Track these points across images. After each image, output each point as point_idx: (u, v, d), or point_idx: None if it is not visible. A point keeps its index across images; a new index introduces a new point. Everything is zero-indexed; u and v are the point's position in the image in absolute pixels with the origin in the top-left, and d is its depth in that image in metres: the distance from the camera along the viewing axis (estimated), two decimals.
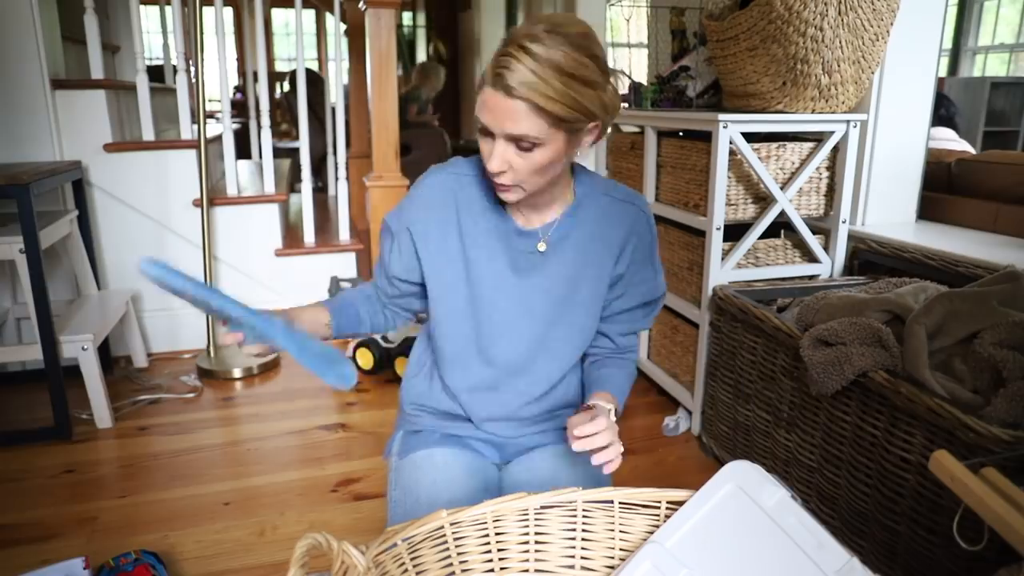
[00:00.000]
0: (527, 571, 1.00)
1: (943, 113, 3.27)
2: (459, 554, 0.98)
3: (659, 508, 0.94)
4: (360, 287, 1.17)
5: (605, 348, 1.16)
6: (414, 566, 0.96)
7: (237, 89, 6.25)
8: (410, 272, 1.07)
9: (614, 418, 1.01)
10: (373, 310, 1.15)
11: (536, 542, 1.00)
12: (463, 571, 0.98)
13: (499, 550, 0.99)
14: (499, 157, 0.90)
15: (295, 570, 0.74)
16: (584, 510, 0.98)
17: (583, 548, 0.99)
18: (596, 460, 0.91)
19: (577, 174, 1.07)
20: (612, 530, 0.97)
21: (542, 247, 1.04)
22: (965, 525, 0.89)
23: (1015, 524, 0.75)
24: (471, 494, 1.05)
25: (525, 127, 0.87)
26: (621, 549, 0.97)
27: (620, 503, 0.96)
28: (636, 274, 1.08)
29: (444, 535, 0.97)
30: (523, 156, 0.90)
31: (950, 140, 3.03)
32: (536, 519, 1.00)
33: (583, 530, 0.99)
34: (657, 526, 0.95)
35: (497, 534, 0.99)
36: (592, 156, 2.73)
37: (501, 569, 0.99)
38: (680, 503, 0.93)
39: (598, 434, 0.91)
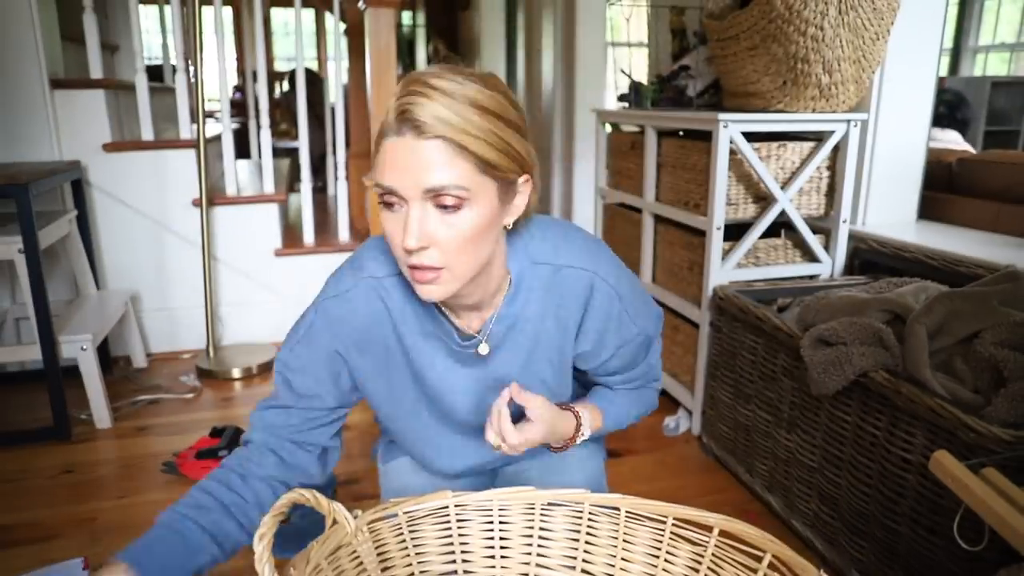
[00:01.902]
0: (528, 564, 1.00)
1: (959, 116, 3.24)
2: (460, 535, 0.98)
3: (665, 523, 0.94)
4: (212, 480, 0.91)
5: (617, 382, 1.04)
6: (412, 540, 0.96)
7: (236, 89, 6.25)
8: (338, 404, 0.93)
9: (585, 435, 0.96)
10: (250, 491, 0.89)
11: (540, 538, 1.00)
12: (463, 553, 0.98)
13: (502, 538, 0.99)
14: (417, 226, 0.71)
15: (270, 517, 0.74)
16: (590, 514, 0.98)
17: (585, 551, 0.99)
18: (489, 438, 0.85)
19: (509, 244, 0.86)
20: (616, 538, 0.97)
21: (484, 350, 0.89)
22: (965, 526, 0.88)
23: (1016, 524, 0.75)
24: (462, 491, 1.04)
25: (446, 174, 0.69)
26: (623, 559, 0.97)
27: (627, 512, 0.96)
28: (611, 343, 0.94)
29: (447, 515, 0.97)
30: (447, 223, 0.71)
31: (954, 143, 3.01)
32: (542, 515, 1.00)
33: (587, 533, 0.99)
34: (660, 541, 0.95)
35: (502, 523, 0.99)
36: (592, 156, 2.73)
37: (502, 558, 0.99)
38: (687, 521, 0.92)
39: (506, 442, 0.85)
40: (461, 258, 0.74)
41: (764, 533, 0.85)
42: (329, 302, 0.86)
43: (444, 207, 0.71)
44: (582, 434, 0.97)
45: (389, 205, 0.73)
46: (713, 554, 0.91)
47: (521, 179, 0.77)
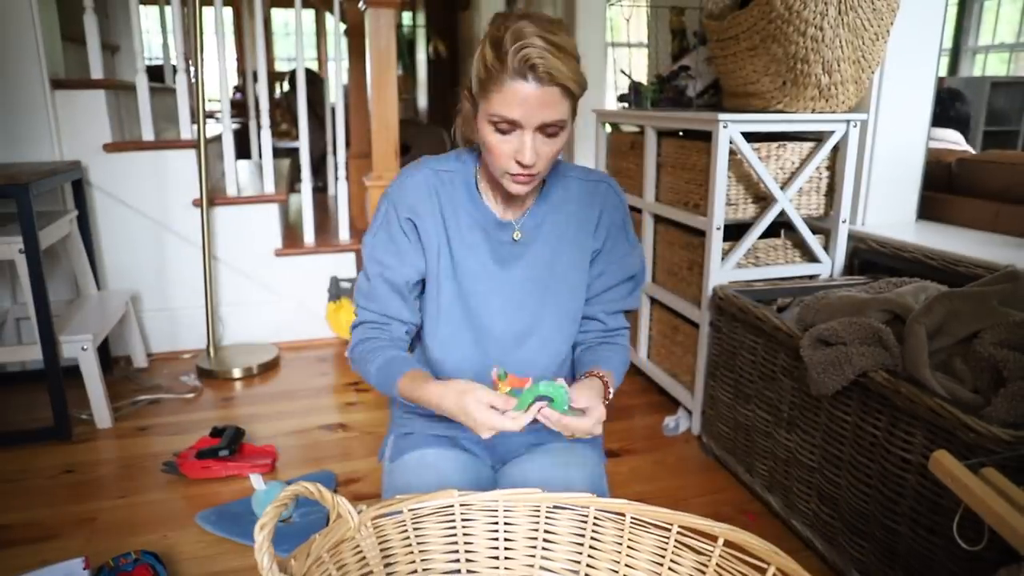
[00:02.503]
0: (532, 567, 1.00)
1: (952, 114, 3.22)
2: (465, 534, 0.98)
3: (670, 531, 0.94)
4: (379, 344, 1.07)
5: (595, 331, 1.17)
6: (417, 537, 0.96)
7: (237, 89, 6.25)
8: (420, 266, 1.07)
9: (609, 398, 1.03)
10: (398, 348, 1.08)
11: (544, 540, 1.00)
12: (467, 553, 0.98)
13: (506, 539, 0.99)
14: (532, 149, 0.93)
15: (272, 508, 0.74)
16: (595, 518, 0.98)
17: (589, 556, 0.99)
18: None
19: None
20: (620, 544, 0.97)
21: (517, 235, 1.07)
22: (965, 525, 0.89)
23: (1015, 524, 0.75)
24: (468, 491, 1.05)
25: (559, 111, 0.91)
26: (627, 566, 0.97)
27: (632, 518, 0.96)
28: (613, 249, 1.12)
29: (452, 514, 0.97)
30: (548, 143, 0.94)
31: (954, 143, 3.00)
32: (547, 518, 1.00)
33: (592, 538, 0.99)
34: (665, 548, 0.94)
35: (507, 524, 0.99)
36: (592, 156, 2.73)
37: (506, 559, 0.99)
38: (692, 530, 0.92)
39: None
40: (548, 165, 0.97)
41: (769, 545, 0.84)
42: (395, 185, 1.06)
43: (549, 134, 0.94)
44: (611, 393, 1.06)
45: (503, 131, 0.93)
46: (717, 564, 0.90)
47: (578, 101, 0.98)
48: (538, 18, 0.92)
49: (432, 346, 1.10)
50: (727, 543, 0.89)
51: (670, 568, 0.95)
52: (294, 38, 2.77)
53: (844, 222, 1.97)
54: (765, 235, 1.95)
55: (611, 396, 1.04)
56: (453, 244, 1.06)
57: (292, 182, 3.79)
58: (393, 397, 1.04)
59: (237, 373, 2.48)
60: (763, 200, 1.93)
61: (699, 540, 0.92)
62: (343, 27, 3.21)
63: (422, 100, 7.42)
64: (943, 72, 5.35)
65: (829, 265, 1.99)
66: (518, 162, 0.94)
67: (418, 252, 1.06)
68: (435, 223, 1.05)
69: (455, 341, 1.09)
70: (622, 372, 1.15)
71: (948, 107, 3.22)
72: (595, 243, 1.11)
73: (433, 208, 1.05)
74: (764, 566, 0.85)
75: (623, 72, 2.53)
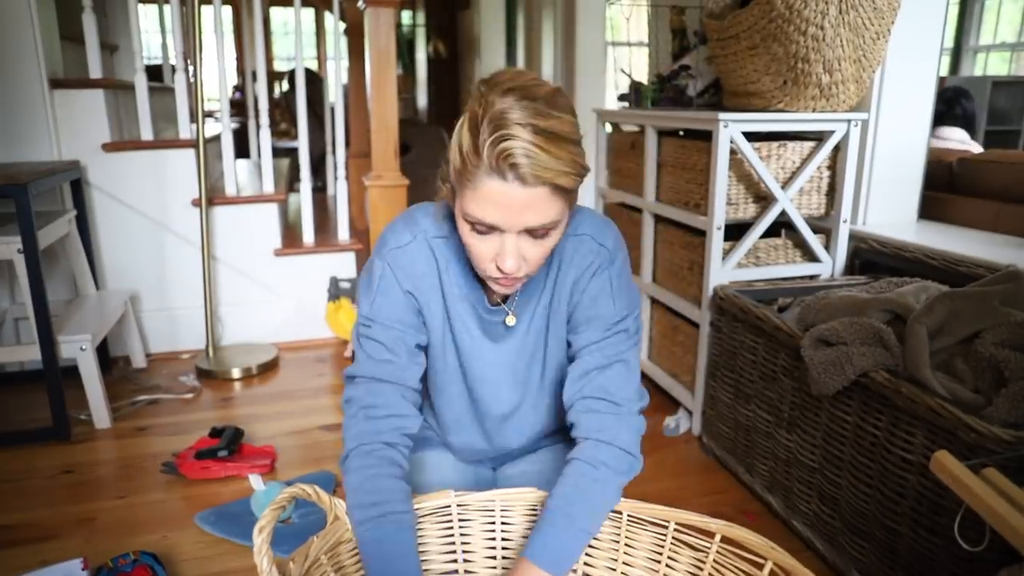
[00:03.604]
0: None
1: (959, 112, 3.19)
2: (462, 535, 0.98)
3: (667, 528, 0.94)
4: (384, 478, 0.89)
5: (596, 399, 0.93)
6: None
7: (236, 88, 6.25)
8: (423, 337, 0.96)
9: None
10: (403, 481, 0.91)
11: None
12: (464, 553, 0.98)
13: (504, 539, 0.99)
14: (515, 255, 0.80)
15: (270, 510, 0.74)
16: None
17: (587, 554, 0.98)
18: None
19: None
20: (617, 542, 0.97)
21: (511, 321, 0.97)
22: (966, 526, 0.88)
23: (1016, 525, 0.75)
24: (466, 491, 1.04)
25: (548, 213, 0.78)
26: (624, 563, 0.97)
27: (629, 515, 0.96)
28: (594, 305, 0.94)
29: (450, 514, 0.97)
30: (536, 244, 0.81)
31: (962, 143, 2.97)
32: None
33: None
34: (662, 545, 0.94)
35: (504, 524, 0.99)
36: (592, 156, 2.73)
37: (504, 558, 0.99)
38: (689, 526, 0.92)
39: None
40: (539, 266, 0.85)
41: (766, 540, 0.84)
42: (395, 252, 0.92)
43: (537, 236, 0.81)
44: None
45: (480, 232, 0.80)
46: (715, 560, 0.90)
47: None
48: (526, 93, 0.75)
49: (436, 413, 1.08)
50: (724, 539, 0.89)
51: (667, 565, 0.95)
52: (293, 37, 2.76)
53: (845, 222, 1.96)
54: (766, 235, 1.95)
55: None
56: (451, 315, 0.96)
57: (291, 182, 3.79)
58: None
59: (236, 373, 2.47)
60: (764, 200, 1.93)
61: (696, 537, 0.92)
62: (343, 26, 3.21)
63: (422, 100, 7.42)
64: (944, 71, 5.35)
65: (830, 265, 1.99)
66: (498, 267, 0.81)
67: (421, 325, 0.95)
68: (436, 296, 0.95)
69: (456, 414, 1.05)
70: (602, 511, 0.91)
71: (954, 105, 3.20)
72: (572, 299, 0.96)
73: (433, 280, 0.94)
74: (761, 561, 0.85)
75: (623, 71, 2.53)
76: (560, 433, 1.14)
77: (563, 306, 0.97)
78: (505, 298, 0.97)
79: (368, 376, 0.92)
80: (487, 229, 0.79)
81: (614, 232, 0.97)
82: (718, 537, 0.90)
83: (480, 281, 0.95)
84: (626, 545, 0.96)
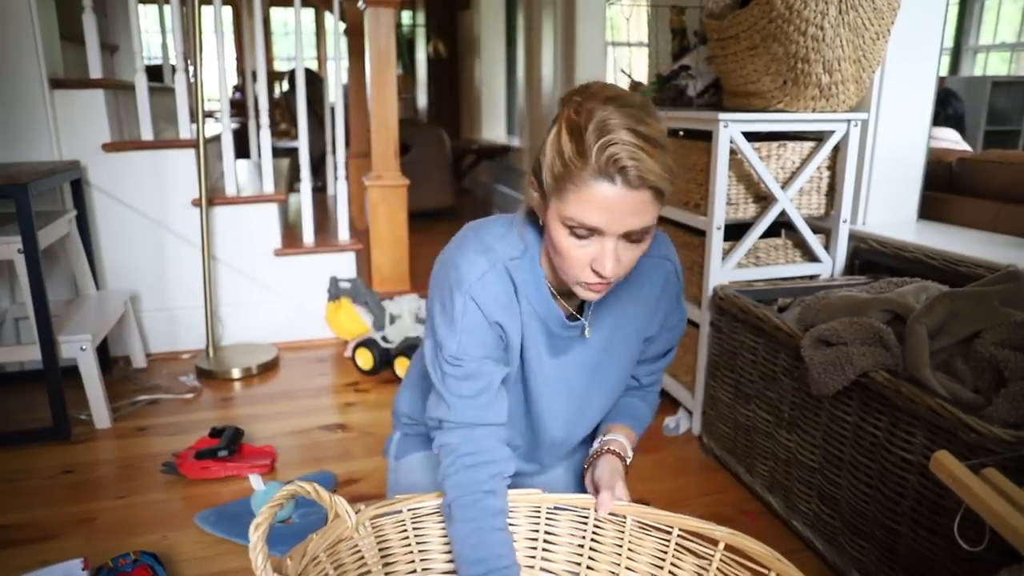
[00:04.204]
0: (532, 568, 1.00)
1: (950, 112, 3.22)
2: None
3: (671, 534, 0.94)
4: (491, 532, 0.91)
5: (631, 388, 1.14)
6: (416, 537, 0.96)
7: (236, 88, 6.25)
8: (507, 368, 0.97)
9: (630, 455, 1.03)
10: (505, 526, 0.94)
11: (545, 541, 1.00)
12: None
13: None
14: (614, 258, 0.81)
15: (267, 508, 0.74)
16: (596, 520, 0.98)
17: (590, 558, 0.98)
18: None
19: None
20: (620, 546, 0.97)
21: (588, 334, 0.98)
22: (966, 526, 0.88)
23: (1016, 525, 0.75)
24: None
25: (648, 217, 0.80)
26: (627, 568, 0.96)
27: (633, 520, 0.95)
28: (665, 325, 1.06)
29: None
30: (631, 249, 0.83)
31: (953, 142, 3.00)
32: (547, 519, 0.99)
33: (592, 539, 0.98)
34: (665, 551, 0.94)
35: (508, 524, 0.99)
36: None
37: None
38: (693, 533, 0.91)
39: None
40: (629, 269, 0.86)
41: (770, 550, 0.84)
42: (476, 286, 0.89)
43: (633, 240, 0.82)
44: (630, 454, 1.05)
45: (579, 236, 0.81)
46: (718, 568, 0.90)
47: None
48: (624, 102, 0.78)
49: None
50: (728, 547, 0.89)
51: (670, 572, 0.94)
52: (293, 37, 2.76)
53: (845, 222, 1.96)
54: (766, 235, 1.95)
55: (630, 456, 1.04)
56: (525, 334, 0.95)
57: (291, 182, 3.79)
58: None
59: (236, 373, 2.47)
60: (764, 200, 1.93)
61: (700, 544, 0.92)
62: (343, 26, 3.21)
63: (422, 100, 7.43)
64: (944, 72, 5.35)
65: (830, 265, 1.99)
66: (595, 271, 0.82)
67: (505, 357, 0.95)
68: (515, 321, 0.93)
69: (512, 432, 1.03)
70: (649, 417, 1.15)
71: (945, 106, 3.22)
72: (651, 328, 1.04)
73: (514, 307, 0.92)
74: (765, 571, 0.84)
75: (623, 71, 2.53)
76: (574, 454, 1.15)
77: (638, 320, 1.01)
78: (578, 313, 0.98)
79: (462, 422, 0.91)
80: (588, 233, 0.80)
81: (673, 248, 1.04)
82: (722, 545, 0.90)
83: (551, 296, 0.95)
84: (629, 550, 0.96)
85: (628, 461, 1.02)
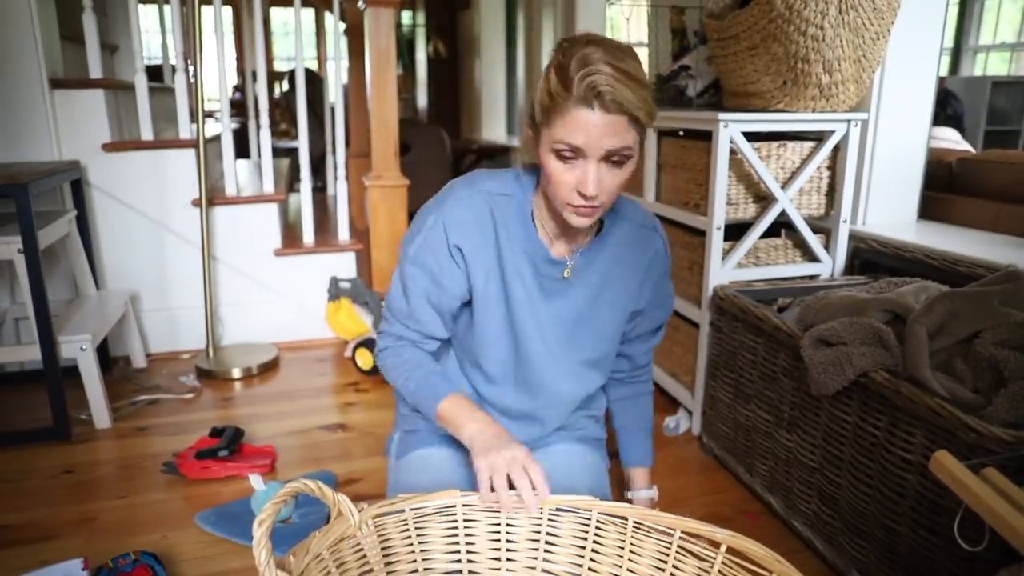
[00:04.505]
0: (534, 569, 1.00)
1: (950, 112, 3.23)
2: (467, 535, 0.98)
3: (672, 536, 0.94)
4: (418, 359, 1.09)
5: (625, 369, 1.24)
6: (418, 537, 0.96)
7: (236, 88, 6.25)
8: (464, 294, 1.06)
9: (654, 492, 1.25)
10: (429, 358, 1.12)
11: (547, 543, 1.00)
12: (469, 553, 0.98)
13: (508, 542, 0.99)
14: (595, 178, 0.90)
15: (271, 504, 0.74)
16: (598, 522, 0.97)
17: (592, 560, 0.98)
18: None
19: None
20: (623, 548, 0.97)
21: (567, 274, 1.05)
22: (966, 526, 0.88)
23: (1016, 524, 0.75)
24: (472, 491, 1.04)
25: (625, 139, 0.89)
26: (629, 571, 0.96)
27: (635, 522, 0.95)
28: (654, 301, 1.14)
29: (455, 514, 0.97)
30: (613, 173, 0.91)
31: (953, 142, 3.01)
32: (549, 520, 0.99)
33: (594, 541, 0.98)
34: (667, 554, 0.94)
35: (509, 526, 0.99)
36: None
37: (508, 560, 0.99)
38: (695, 535, 0.91)
39: None
40: (611, 198, 0.94)
41: (772, 552, 0.84)
42: (448, 206, 1.02)
43: (614, 163, 0.91)
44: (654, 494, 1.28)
45: (565, 159, 0.91)
46: (719, 571, 0.90)
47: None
48: (607, 44, 0.90)
49: (480, 367, 1.11)
50: (730, 550, 0.89)
51: (672, 574, 0.94)
52: (293, 37, 2.76)
53: (845, 222, 1.96)
54: (766, 235, 1.95)
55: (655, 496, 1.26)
56: (505, 269, 1.04)
57: (291, 182, 3.79)
58: (427, 416, 1.06)
59: (236, 373, 2.47)
60: (763, 200, 1.93)
61: (701, 546, 0.92)
62: (343, 26, 3.21)
63: (422, 100, 7.42)
64: (944, 72, 5.35)
65: (830, 265, 1.99)
66: (580, 193, 0.91)
67: (464, 280, 1.04)
68: (487, 248, 1.03)
69: (502, 365, 1.09)
70: (652, 417, 1.31)
71: (944, 106, 3.24)
72: (639, 301, 1.12)
73: (487, 233, 1.02)
74: (766, 574, 0.84)
75: None
76: (568, 431, 1.15)
77: (627, 284, 1.09)
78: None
79: (399, 315, 1.08)
80: (572, 154, 0.90)
81: (661, 226, 1.16)
82: (723, 548, 0.90)
83: (543, 232, 1.04)
84: (631, 552, 0.96)
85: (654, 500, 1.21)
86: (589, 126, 0.87)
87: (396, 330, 1.09)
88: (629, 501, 1.17)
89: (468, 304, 1.08)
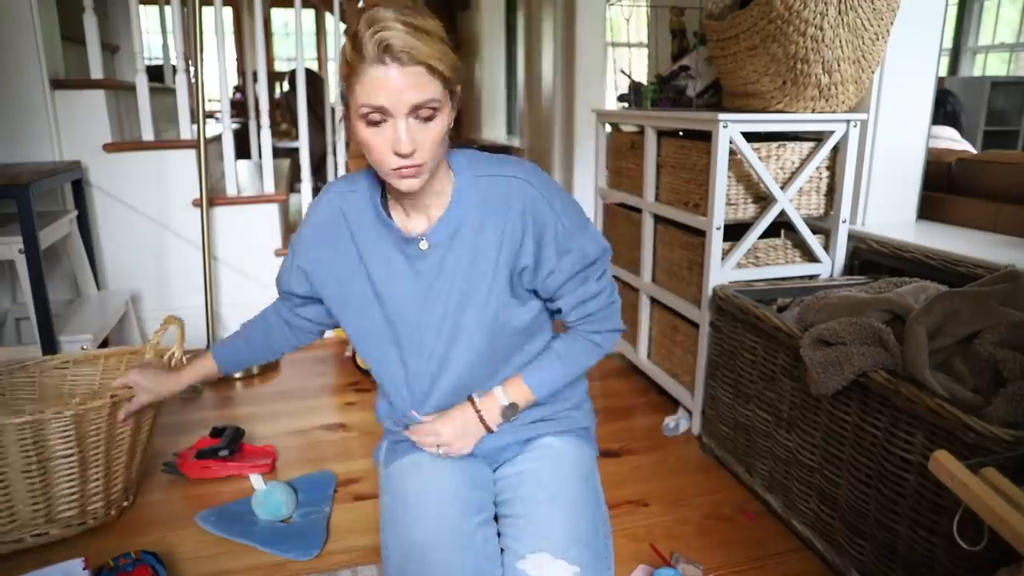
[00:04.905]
0: None
1: (948, 110, 3.25)
2: None
3: None
4: (261, 313, 1.31)
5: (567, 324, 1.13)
6: None
7: (237, 89, 6.25)
8: (311, 293, 1.15)
9: (501, 401, 1.09)
10: (268, 328, 1.29)
11: None
12: None
13: None
14: (408, 136, 0.88)
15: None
16: None
17: None
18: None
19: (452, 162, 1.03)
20: None
21: (424, 245, 1.02)
22: (965, 525, 0.88)
23: (1015, 524, 0.75)
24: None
25: (428, 91, 0.87)
26: None
27: None
28: (553, 249, 1.01)
29: None
30: (425, 128, 0.90)
31: (952, 140, 3.02)
32: None
33: None
34: None
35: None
36: (592, 156, 2.73)
37: None
38: None
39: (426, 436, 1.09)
40: (433, 155, 0.92)
41: None
42: (308, 214, 1.10)
43: (422, 118, 0.89)
44: (484, 408, 1.09)
45: (375, 123, 0.89)
46: None
47: (457, 88, 0.95)
48: (396, 4, 0.91)
49: (373, 369, 1.13)
50: None
51: None
52: (294, 38, 2.77)
53: (844, 222, 1.97)
54: (765, 235, 1.95)
55: (487, 408, 1.09)
56: (369, 264, 1.04)
57: (292, 182, 3.79)
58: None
59: (237, 373, 2.48)
60: (763, 200, 1.93)
61: None
62: (343, 27, 3.21)
63: None
64: (943, 72, 5.36)
65: (829, 265, 1.99)
66: (396, 153, 0.89)
67: (313, 297, 1.15)
68: (342, 252, 1.06)
69: (385, 359, 1.10)
70: (562, 368, 1.11)
71: (944, 104, 3.25)
72: (523, 260, 1.01)
73: (339, 234, 1.05)
74: None
75: (623, 72, 2.53)
76: (553, 422, 1.14)
77: (499, 244, 1.01)
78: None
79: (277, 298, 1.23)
80: (379, 117, 0.88)
81: (543, 176, 1.05)
82: None
83: (399, 214, 1.04)
84: None
85: (479, 407, 1.09)
86: (388, 83, 0.85)
87: (276, 306, 1.27)
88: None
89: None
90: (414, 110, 0.88)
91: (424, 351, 1.06)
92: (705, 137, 1.88)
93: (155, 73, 3.45)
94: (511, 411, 1.09)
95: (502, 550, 1.01)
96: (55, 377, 1.75)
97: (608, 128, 2.61)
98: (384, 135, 0.89)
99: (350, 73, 0.88)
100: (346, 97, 0.92)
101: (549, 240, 1.01)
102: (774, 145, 1.89)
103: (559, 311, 1.11)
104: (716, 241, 1.87)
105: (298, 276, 1.12)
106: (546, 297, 1.08)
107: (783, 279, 1.96)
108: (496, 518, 1.07)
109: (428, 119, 0.90)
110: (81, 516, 1.54)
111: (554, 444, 1.13)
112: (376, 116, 0.88)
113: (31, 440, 1.41)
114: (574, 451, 1.12)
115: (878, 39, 1.73)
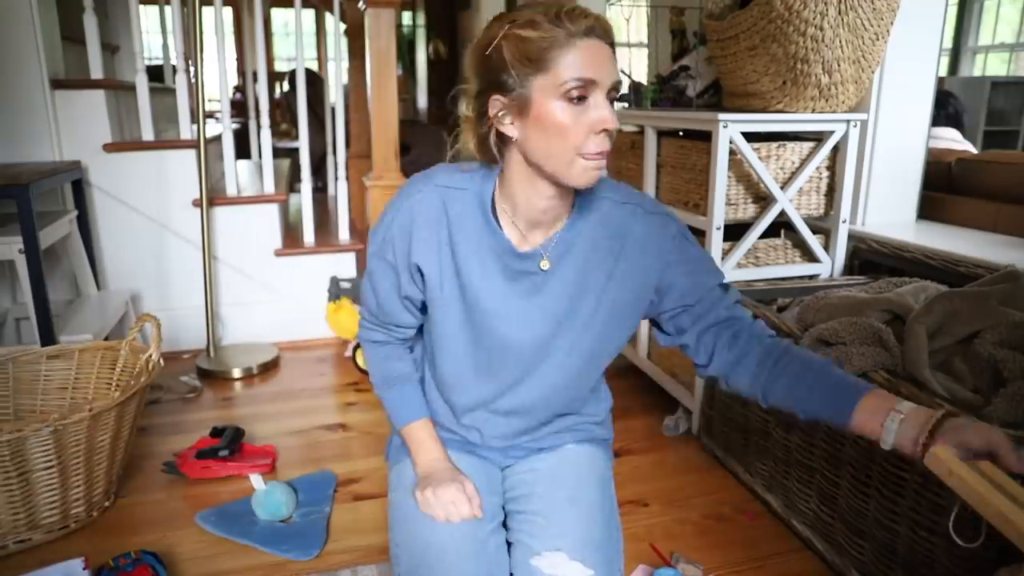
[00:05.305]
0: None
1: (951, 111, 3.24)
2: None
3: None
4: (383, 366, 1.13)
5: (725, 341, 1.03)
6: None
7: (236, 89, 6.25)
8: (418, 294, 1.03)
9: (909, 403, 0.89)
10: (404, 366, 1.12)
11: None
12: None
13: None
14: (612, 112, 0.85)
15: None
16: None
17: None
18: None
19: None
20: None
21: (545, 265, 0.96)
22: (963, 524, 0.88)
23: (1014, 518, 0.74)
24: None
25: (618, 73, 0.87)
26: None
27: None
28: (680, 267, 0.99)
29: None
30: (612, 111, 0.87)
31: (954, 141, 3.01)
32: None
33: None
34: None
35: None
36: None
37: None
38: None
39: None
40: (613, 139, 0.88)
41: None
42: (404, 205, 0.97)
43: (612, 99, 0.86)
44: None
45: (579, 99, 0.83)
46: None
47: None
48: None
49: (439, 371, 1.08)
50: None
51: None
52: (294, 38, 2.77)
53: (844, 222, 1.97)
54: (765, 235, 1.95)
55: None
56: (462, 269, 0.97)
57: (292, 182, 3.79)
58: (393, 425, 1.12)
59: (237, 373, 2.48)
60: (763, 200, 1.93)
61: None
62: (343, 27, 3.21)
63: (422, 100, 7.42)
64: (943, 72, 5.36)
65: (829, 265, 1.99)
66: (605, 131, 0.84)
67: (416, 283, 1.01)
68: (439, 249, 0.96)
69: (462, 367, 1.04)
70: (818, 361, 0.97)
71: (945, 105, 3.25)
72: (648, 276, 0.98)
73: (439, 232, 0.96)
74: None
75: (623, 72, 2.53)
76: (575, 432, 1.14)
77: (617, 268, 0.98)
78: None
79: (372, 312, 1.10)
80: (584, 92, 0.83)
81: (664, 208, 1.03)
82: None
83: (508, 226, 0.96)
84: None
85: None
86: (599, 54, 0.83)
87: (370, 330, 1.12)
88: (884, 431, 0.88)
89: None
90: (613, 88, 0.85)
91: (506, 366, 1.02)
92: (705, 137, 1.88)
93: (155, 73, 3.45)
94: None
95: (509, 546, 1.01)
96: (29, 372, 1.76)
97: None
98: (586, 114, 0.83)
99: (545, 47, 0.82)
100: (512, 89, 0.85)
101: (674, 263, 0.99)
102: (774, 145, 1.89)
103: (710, 327, 1.03)
104: (716, 241, 1.87)
105: (415, 276, 1.00)
106: (673, 312, 1.02)
107: (783, 279, 1.96)
108: (505, 515, 1.06)
109: (614, 100, 0.87)
110: (63, 520, 1.55)
111: (574, 448, 1.12)
112: (581, 92, 0.83)
113: (9, 456, 1.41)
114: (593, 457, 1.12)
115: (878, 39, 1.73)
